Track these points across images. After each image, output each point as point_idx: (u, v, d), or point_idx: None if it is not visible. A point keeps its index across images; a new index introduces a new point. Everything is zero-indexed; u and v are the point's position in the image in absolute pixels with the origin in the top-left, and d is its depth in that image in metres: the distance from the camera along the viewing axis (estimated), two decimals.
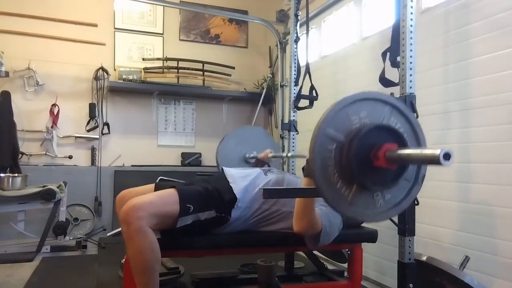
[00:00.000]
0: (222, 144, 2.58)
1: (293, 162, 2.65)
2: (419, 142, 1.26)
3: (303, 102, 2.51)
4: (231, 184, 1.74)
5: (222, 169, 1.88)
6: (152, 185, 1.91)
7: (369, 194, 1.20)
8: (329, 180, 1.15)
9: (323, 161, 1.15)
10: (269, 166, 2.45)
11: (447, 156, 0.96)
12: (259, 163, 2.41)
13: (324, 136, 1.16)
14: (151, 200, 1.56)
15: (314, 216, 1.55)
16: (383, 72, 1.74)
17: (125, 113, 4.20)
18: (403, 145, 1.17)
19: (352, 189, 1.17)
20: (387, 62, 1.73)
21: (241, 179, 1.77)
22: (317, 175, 1.14)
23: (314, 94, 2.41)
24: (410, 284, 1.54)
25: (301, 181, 1.92)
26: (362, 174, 1.14)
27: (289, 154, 2.36)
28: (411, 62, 1.62)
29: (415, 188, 1.28)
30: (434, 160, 0.99)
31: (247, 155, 2.59)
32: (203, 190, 1.68)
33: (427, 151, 1.03)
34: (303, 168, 1.58)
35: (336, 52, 3.34)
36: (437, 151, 0.97)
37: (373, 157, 1.15)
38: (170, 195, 1.62)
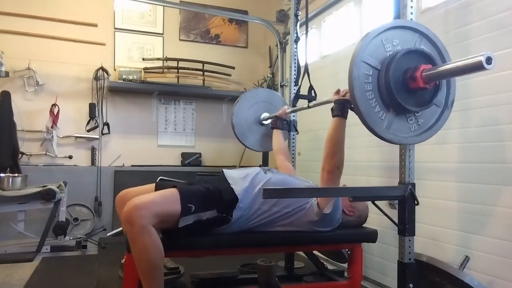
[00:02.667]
0: (236, 108, 2.64)
1: (293, 163, 2.64)
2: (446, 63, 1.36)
3: (303, 102, 2.50)
4: (232, 186, 1.74)
5: (222, 171, 1.89)
6: (152, 185, 1.91)
7: (404, 119, 1.32)
8: (368, 104, 1.25)
9: (361, 86, 1.25)
10: (288, 123, 2.49)
11: (489, 60, 1.05)
12: (278, 120, 2.45)
13: (361, 62, 1.27)
14: (153, 200, 1.57)
15: (343, 154, 1.63)
16: None
17: (125, 113, 4.20)
18: (435, 65, 1.28)
19: (389, 112, 1.28)
20: None
21: (242, 180, 1.78)
22: (357, 100, 1.23)
23: (313, 94, 2.41)
24: (410, 284, 1.54)
25: (302, 182, 1.92)
26: (400, 96, 1.24)
27: (311, 104, 2.18)
28: None
29: (446, 112, 1.40)
30: (477, 66, 1.06)
31: (261, 118, 2.64)
32: (204, 190, 1.68)
33: (469, 59, 1.11)
34: (332, 109, 1.68)
35: (336, 52, 3.34)
36: (479, 57, 1.05)
37: (409, 79, 1.26)
38: (171, 194, 1.62)
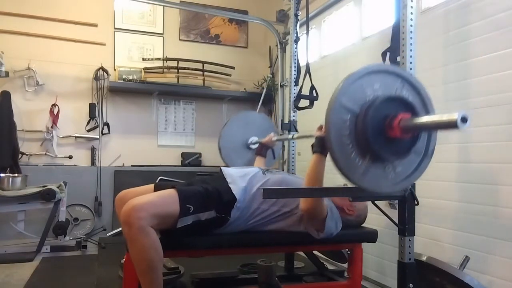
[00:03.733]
0: (224, 131, 2.58)
1: (293, 162, 2.64)
2: (429, 113, 1.30)
3: (304, 102, 2.51)
4: (230, 185, 1.73)
5: (220, 169, 1.88)
6: (152, 186, 1.91)
7: (381, 166, 1.24)
8: (344, 150, 1.19)
9: (338, 131, 1.19)
10: (273, 150, 2.47)
11: (464, 120, 0.99)
12: (263, 147, 2.41)
13: (340, 106, 1.20)
14: (151, 201, 1.56)
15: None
16: None
17: (125, 113, 4.20)
18: (416, 115, 1.21)
19: (365, 159, 1.21)
20: (387, 62, 1.73)
21: (240, 179, 1.77)
22: (333, 144, 1.18)
23: (314, 94, 2.41)
24: (410, 284, 1.54)
25: (301, 181, 1.92)
26: (377, 143, 1.18)
27: (295, 135, 2.28)
28: (411, 62, 1.62)
29: (425, 161, 1.33)
30: (451, 124, 1.01)
31: (249, 141, 2.60)
32: (203, 191, 1.68)
33: (444, 116, 1.05)
34: (312, 145, 1.63)
35: (336, 52, 3.34)
36: (454, 115, 0.99)
37: (387, 127, 1.19)
38: (170, 195, 1.62)
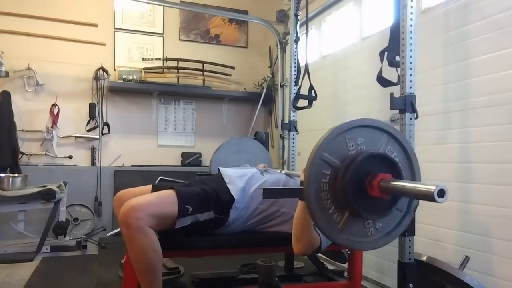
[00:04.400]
0: (216, 155, 2.56)
1: (293, 162, 2.65)
2: (413, 172, 1.28)
3: (303, 102, 2.51)
4: (228, 185, 1.73)
5: (219, 169, 1.88)
6: (149, 186, 1.91)
7: (361, 222, 1.20)
8: (322, 204, 1.15)
9: (317, 185, 1.15)
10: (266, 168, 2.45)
11: (441, 193, 0.96)
12: None
13: (320, 160, 1.16)
14: (150, 201, 1.56)
15: (312, 233, 1.51)
16: (380, 72, 1.74)
17: (125, 113, 4.21)
18: (398, 175, 1.17)
19: (344, 215, 1.17)
20: (385, 61, 1.73)
21: (238, 179, 1.77)
22: (310, 199, 1.13)
23: (313, 94, 2.41)
24: (410, 284, 1.54)
25: (299, 181, 1.92)
26: (356, 201, 1.13)
27: (283, 172, 2.30)
28: (411, 62, 1.62)
29: (407, 218, 1.29)
30: (428, 196, 0.98)
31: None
32: (201, 191, 1.68)
33: (421, 186, 1.03)
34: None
35: (336, 52, 3.34)
36: (431, 187, 0.97)
37: (367, 185, 1.15)
38: (168, 196, 1.61)
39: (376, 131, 1.24)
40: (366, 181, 1.15)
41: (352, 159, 1.16)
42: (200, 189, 1.69)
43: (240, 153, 2.60)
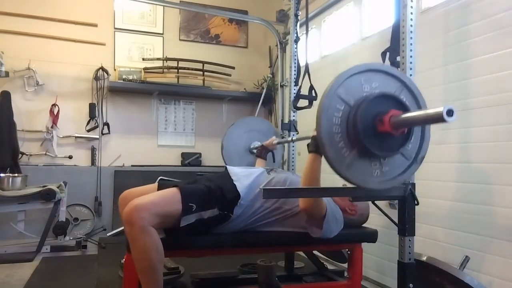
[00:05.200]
0: (229, 131, 2.60)
1: (293, 163, 2.64)
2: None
3: (303, 102, 2.50)
4: (235, 182, 1.74)
5: (226, 167, 1.89)
6: (155, 185, 1.92)
7: (368, 162, 1.25)
8: (333, 138, 1.21)
9: (330, 119, 1.20)
10: (273, 154, 2.47)
11: (450, 113, 1.00)
12: (264, 150, 2.42)
13: (335, 96, 1.22)
14: (153, 200, 1.57)
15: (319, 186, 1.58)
16: None
17: (125, 113, 4.21)
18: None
19: (352, 152, 1.23)
20: (387, 62, 1.73)
21: (245, 178, 1.78)
22: (322, 129, 1.19)
23: (314, 94, 2.41)
24: (410, 284, 1.54)
25: None
26: (365, 137, 1.19)
27: (294, 138, 2.32)
28: (411, 62, 1.62)
29: (413, 166, 1.34)
30: (438, 118, 1.02)
31: (251, 146, 2.61)
32: (205, 189, 1.68)
33: (430, 110, 1.06)
34: (308, 145, 1.64)
35: (336, 52, 3.34)
36: (440, 109, 1.01)
37: (378, 122, 1.20)
38: (172, 194, 1.62)
39: (391, 79, 1.30)
40: (377, 118, 1.20)
41: (365, 97, 1.22)
42: (204, 186, 1.69)
43: (252, 132, 2.64)
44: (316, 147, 1.59)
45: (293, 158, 2.64)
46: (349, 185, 1.68)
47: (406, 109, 1.23)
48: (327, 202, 1.67)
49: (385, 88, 1.27)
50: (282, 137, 2.50)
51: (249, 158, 2.62)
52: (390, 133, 1.19)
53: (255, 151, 2.58)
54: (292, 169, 2.63)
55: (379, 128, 1.20)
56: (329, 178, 1.67)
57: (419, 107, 1.31)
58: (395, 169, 1.31)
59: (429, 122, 1.18)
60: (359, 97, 1.23)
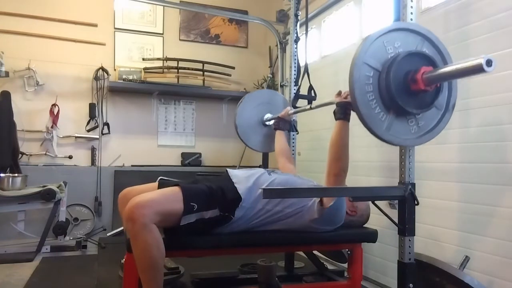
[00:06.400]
0: (239, 109, 2.59)
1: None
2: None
3: (302, 102, 2.50)
4: (235, 185, 1.74)
5: (227, 170, 1.88)
6: (155, 184, 1.92)
7: (404, 121, 1.31)
8: (368, 105, 1.25)
9: (362, 88, 1.24)
10: (291, 124, 2.49)
11: (489, 63, 1.03)
12: (281, 121, 2.42)
13: (362, 64, 1.26)
14: (155, 198, 1.57)
15: (348, 156, 1.66)
16: None
17: (125, 113, 4.21)
18: (437, 68, 1.27)
19: (389, 114, 1.27)
20: None
21: (246, 179, 1.77)
22: (357, 100, 1.23)
23: (313, 94, 2.41)
24: (410, 284, 1.54)
25: (307, 182, 1.92)
26: (400, 98, 1.24)
27: (313, 105, 2.23)
28: None
29: (447, 115, 1.39)
30: (477, 69, 1.05)
31: (264, 119, 2.61)
32: (207, 189, 1.68)
33: (468, 63, 1.10)
34: (334, 112, 1.68)
35: (336, 52, 3.34)
36: (479, 60, 1.04)
37: (410, 81, 1.25)
38: (174, 193, 1.62)
39: (411, 34, 1.34)
40: (409, 77, 1.25)
41: (392, 59, 1.26)
42: (205, 187, 1.69)
43: (263, 105, 2.63)
44: (343, 114, 1.64)
45: (293, 158, 2.64)
46: (349, 185, 1.68)
47: (433, 63, 1.27)
48: None
49: (407, 45, 1.32)
50: (295, 107, 2.45)
51: (264, 129, 2.63)
52: (423, 90, 1.24)
53: (268, 123, 2.59)
54: None
55: (412, 87, 1.24)
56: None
57: (443, 57, 1.35)
58: (431, 121, 1.36)
59: (467, 75, 1.20)
60: (385, 60, 1.27)
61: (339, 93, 1.74)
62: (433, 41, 1.36)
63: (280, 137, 2.41)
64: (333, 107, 1.77)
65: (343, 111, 1.66)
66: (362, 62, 1.25)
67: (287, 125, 2.45)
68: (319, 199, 1.72)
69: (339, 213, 1.75)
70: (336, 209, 1.72)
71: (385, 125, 1.27)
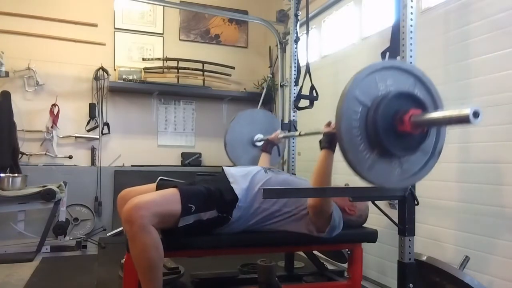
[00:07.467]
0: (228, 132, 2.57)
1: (293, 162, 2.64)
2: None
3: (304, 102, 2.51)
4: (231, 184, 1.74)
5: (222, 168, 1.88)
6: (154, 185, 1.92)
7: (388, 161, 1.26)
8: (353, 141, 1.20)
9: (348, 122, 1.20)
10: (278, 148, 2.47)
11: (476, 114, 1.00)
12: (269, 144, 2.40)
13: (352, 98, 1.22)
14: (153, 199, 1.57)
15: (330, 183, 1.60)
16: None
17: (125, 113, 4.21)
18: (426, 111, 1.23)
19: (373, 153, 1.22)
20: None
21: (242, 178, 1.77)
22: (342, 135, 1.19)
23: (314, 94, 2.41)
24: (410, 284, 1.54)
25: (303, 182, 1.92)
26: (386, 137, 1.19)
27: (302, 132, 2.25)
28: (411, 62, 1.62)
29: (432, 161, 1.35)
30: (463, 119, 1.03)
31: (254, 139, 2.59)
32: (205, 190, 1.68)
33: (455, 112, 1.07)
34: (320, 141, 1.64)
35: (336, 52, 3.34)
36: (466, 110, 1.01)
37: (398, 122, 1.20)
38: (172, 194, 1.62)
39: (404, 74, 1.30)
40: (397, 118, 1.20)
41: (382, 97, 1.21)
42: (203, 188, 1.69)
43: (254, 124, 2.62)
44: (329, 143, 1.61)
45: (293, 158, 2.64)
46: (350, 184, 1.68)
47: (424, 107, 1.23)
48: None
49: (399, 85, 1.28)
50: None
51: (253, 151, 2.60)
52: (410, 133, 1.20)
53: (257, 143, 2.57)
54: (292, 169, 2.64)
55: (399, 128, 1.20)
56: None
57: (434, 101, 1.32)
58: (414, 166, 1.32)
59: (453, 123, 1.17)
60: (375, 96, 1.23)
61: (329, 124, 1.70)
62: (426, 84, 1.31)
63: (264, 159, 2.36)
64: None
65: (328, 140, 1.62)
66: (352, 96, 1.21)
67: (275, 149, 2.44)
68: (314, 228, 1.70)
69: (338, 229, 1.73)
70: (333, 229, 1.69)
71: (368, 163, 1.22)
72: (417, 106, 1.22)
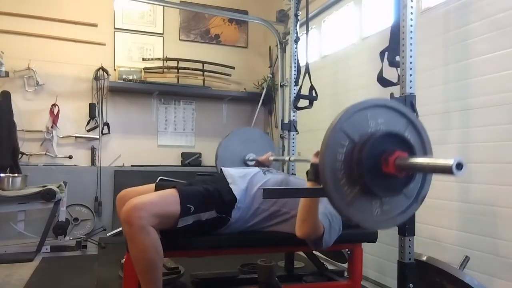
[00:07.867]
0: (221, 147, 2.57)
1: (293, 164, 2.64)
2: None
3: (303, 102, 2.51)
4: (230, 185, 1.74)
5: (221, 169, 1.88)
6: (152, 185, 1.92)
7: (369, 201, 1.20)
8: (335, 174, 1.16)
9: (333, 155, 1.16)
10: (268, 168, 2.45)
11: (459, 166, 0.99)
12: (259, 165, 2.39)
13: (340, 131, 1.18)
14: (152, 200, 1.56)
15: (317, 220, 1.55)
16: (381, 72, 1.74)
17: (125, 113, 4.21)
18: (413, 155, 1.18)
19: (354, 190, 1.18)
20: (385, 61, 1.73)
21: (240, 179, 1.77)
22: (325, 166, 1.15)
23: (314, 94, 2.41)
24: (410, 284, 1.54)
25: (304, 182, 1.91)
26: (369, 176, 1.14)
27: (292, 158, 2.32)
28: (411, 62, 1.62)
29: (413, 206, 1.30)
30: (446, 170, 1.01)
31: (246, 158, 2.58)
32: (204, 191, 1.68)
33: (439, 160, 1.05)
34: (307, 172, 1.58)
35: (336, 52, 3.34)
36: (449, 161, 1.00)
37: (383, 162, 1.16)
38: (171, 195, 1.62)
39: (397, 115, 1.27)
40: (382, 158, 1.16)
41: (370, 134, 1.18)
42: (202, 189, 1.69)
43: (248, 142, 2.61)
44: (315, 175, 1.53)
45: None
46: None
47: (411, 150, 1.19)
48: (325, 207, 1.64)
49: (391, 124, 1.24)
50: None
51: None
52: (394, 174, 1.16)
53: (249, 163, 2.56)
54: (292, 170, 2.64)
55: (383, 168, 1.16)
56: None
57: (423, 146, 1.27)
58: (396, 208, 1.26)
59: (436, 172, 1.14)
60: (364, 133, 1.19)
61: (316, 154, 1.67)
62: (418, 128, 1.28)
63: None
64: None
65: (315, 172, 1.55)
66: (340, 128, 1.17)
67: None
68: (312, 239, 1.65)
69: (334, 237, 1.69)
70: (328, 243, 1.64)
71: (348, 199, 1.18)
72: (405, 149, 1.18)
